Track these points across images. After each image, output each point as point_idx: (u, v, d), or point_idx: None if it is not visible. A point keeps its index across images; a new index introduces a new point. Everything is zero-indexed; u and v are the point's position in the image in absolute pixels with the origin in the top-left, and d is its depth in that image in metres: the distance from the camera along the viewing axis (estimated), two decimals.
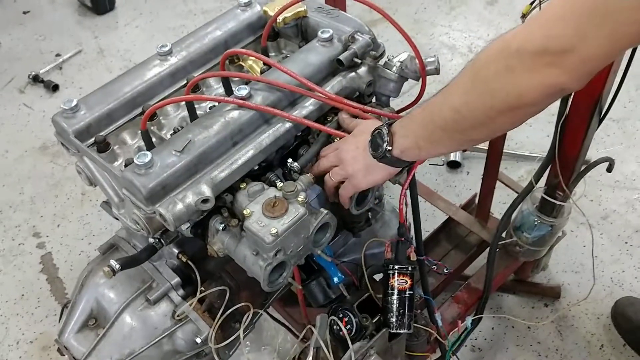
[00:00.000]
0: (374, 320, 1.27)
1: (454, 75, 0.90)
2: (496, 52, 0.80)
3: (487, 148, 1.72)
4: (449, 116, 0.90)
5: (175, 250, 1.27)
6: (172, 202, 1.01)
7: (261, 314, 1.33)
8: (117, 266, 1.10)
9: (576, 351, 1.87)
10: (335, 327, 1.21)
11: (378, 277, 1.35)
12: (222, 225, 1.07)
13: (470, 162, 2.39)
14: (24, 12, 3.52)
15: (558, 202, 1.56)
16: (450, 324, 1.65)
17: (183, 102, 1.25)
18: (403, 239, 1.24)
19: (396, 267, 1.22)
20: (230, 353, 1.32)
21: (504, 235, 1.73)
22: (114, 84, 1.22)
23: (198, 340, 1.23)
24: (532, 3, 1.53)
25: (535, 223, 1.61)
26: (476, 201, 1.93)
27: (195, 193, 1.02)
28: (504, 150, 1.73)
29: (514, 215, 1.67)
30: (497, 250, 1.67)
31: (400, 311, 1.22)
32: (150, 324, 1.26)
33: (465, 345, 1.83)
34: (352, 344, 1.15)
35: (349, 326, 1.22)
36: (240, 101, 1.10)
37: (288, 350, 1.80)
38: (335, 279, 1.34)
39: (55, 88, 2.97)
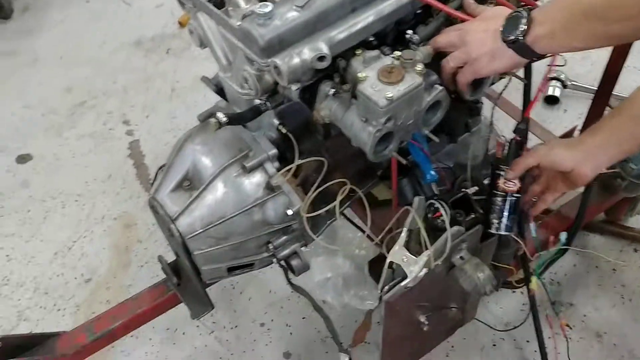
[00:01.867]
0: (467, 219, 1.23)
1: None
2: None
3: (591, 87, 1.62)
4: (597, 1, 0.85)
5: (276, 122, 1.26)
6: (288, 56, 0.99)
7: (352, 200, 1.32)
8: (224, 119, 1.10)
9: None
10: (429, 214, 1.18)
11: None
12: (333, 90, 1.05)
13: (569, 100, 2.27)
14: None
15: None
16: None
17: None
18: (519, 137, 1.17)
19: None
20: (317, 235, 1.31)
21: None
22: None
23: (289, 212, 1.23)
24: None
25: None
26: (576, 133, 1.84)
27: (312, 49, 1.00)
28: (615, 93, 1.64)
29: None
30: (596, 180, 1.58)
31: (504, 213, 1.17)
32: (242, 191, 1.26)
33: (544, 279, 1.77)
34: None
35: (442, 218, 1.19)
36: None
37: (363, 257, 1.80)
38: (429, 176, 1.30)
39: None
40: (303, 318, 1.78)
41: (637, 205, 1.84)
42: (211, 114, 1.38)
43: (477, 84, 1.11)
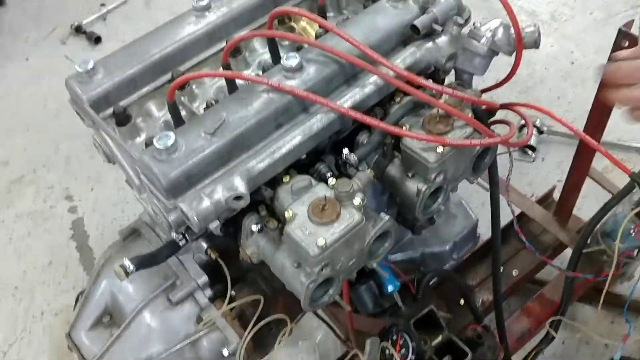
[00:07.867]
0: (433, 343, 1.06)
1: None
2: None
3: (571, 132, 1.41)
4: None
5: (204, 245, 1.08)
6: (197, 198, 0.81)
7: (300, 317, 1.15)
8: (131, 267, 0.92)
9: None
10: (387, 351, 1.01)
11: None
12: (258, 226, 0.87)
13: (547, 147, 2.11)
14: None
15: None
16: (517, 340, 1.42)
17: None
18: None
19: None
20: None
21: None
22: (139, 44, 1.02)
23: (225, 352, 1.05)
24: None
25: (632, 232, 1.35)
26: (554, 196, 1.67)
27: (227, 188, 0.82)
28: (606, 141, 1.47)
29: (604, 219, 1.40)
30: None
31: None
32: (171, 327, 1.08)
33: None
34: None
35: (404, 350, 1.02)
36: (276, 83, 0.86)
37: (328, 350, 1.62)
38: (390, 287, 1.13)
39: (97, 40, 2.80)
40: None
41: (627, 272, 1.68)
42: (133, 230, 1.19)
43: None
